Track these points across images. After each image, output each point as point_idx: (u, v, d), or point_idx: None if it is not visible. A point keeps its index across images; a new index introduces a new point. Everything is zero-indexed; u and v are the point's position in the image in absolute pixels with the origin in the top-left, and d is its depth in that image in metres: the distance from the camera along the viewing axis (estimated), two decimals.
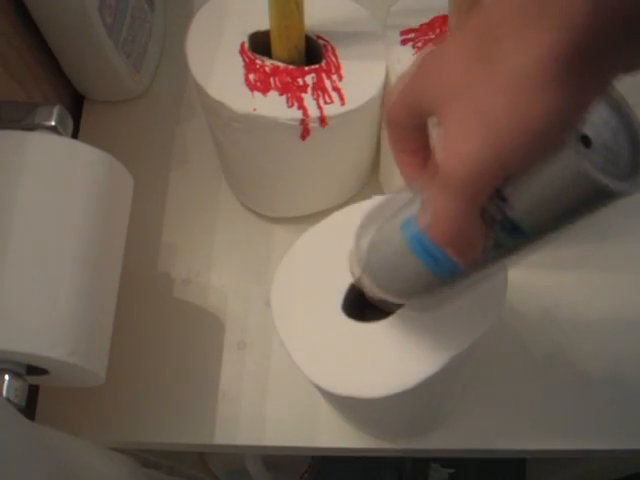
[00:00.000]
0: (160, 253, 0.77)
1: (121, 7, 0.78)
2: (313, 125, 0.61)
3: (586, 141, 0.35)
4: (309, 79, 0.62)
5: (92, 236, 0.58)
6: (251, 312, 0.73)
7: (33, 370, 0.56)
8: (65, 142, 0.60)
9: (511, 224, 0.37)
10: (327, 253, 0.53)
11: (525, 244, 0.38)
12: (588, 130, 0.36)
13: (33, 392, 0.69)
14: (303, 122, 0.60)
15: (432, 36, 0.62)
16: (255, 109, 0.60)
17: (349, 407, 0.60)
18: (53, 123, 0.60)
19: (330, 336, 0.53)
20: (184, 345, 0.73)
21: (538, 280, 0.72)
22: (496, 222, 0.37)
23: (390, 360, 0.51)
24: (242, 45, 0.64)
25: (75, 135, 0.82)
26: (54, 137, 0.60)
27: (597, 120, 0.36)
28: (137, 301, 0.73)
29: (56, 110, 0.61)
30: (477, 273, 0.42)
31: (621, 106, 0.37)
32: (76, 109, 0.86)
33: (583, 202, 0.35)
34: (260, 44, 0.64)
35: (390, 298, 0.49)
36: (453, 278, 0.43)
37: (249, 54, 0.63)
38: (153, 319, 0.74)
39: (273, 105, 0.61)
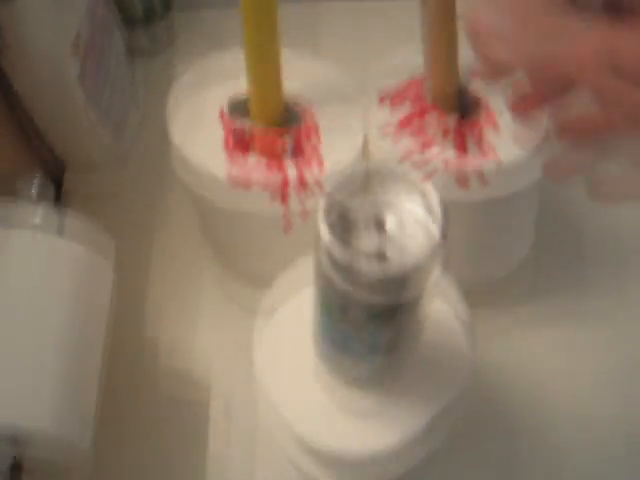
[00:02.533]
0: (145, 319, 0.77)
1: (101, 74, 0.79)
2: (293, 188, 0.61)
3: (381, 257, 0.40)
4: (288, 142, 0.62)
5: (74, 315, 0.58)
6: (237, 377, 0.73)
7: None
8: (46, 239, 0.60)
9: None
10: (302, 297, 0.54)
11: (387, 323, 0.44)
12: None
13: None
14: (283, 184, 0.61)
15: (409, 99, 0.63)
16: (235, 173, 0.61)
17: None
18: (34, 193, 0.60)
19: (313, 390, 0.54)
20: (169, 411, 0.72)
21: (517, 336, 0.73)
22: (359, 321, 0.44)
23: (369, 421, 0.52)
24: (221, 110, 0.64)
25: (58, 202, 0.82)
26: (34, 234, 0.60)
27: None
28: (121, 368, 0.73)
29: (37, 181, 0.61)
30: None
31: None
32: (58, 175, 0.86)
33: None
34: (239, 108, 0.65)
35: None
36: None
37: (228, 119, 0.64)
38: (138, 385, 0.73)
39: (253, 169, 0.61)
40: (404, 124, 0.61)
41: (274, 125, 0.63)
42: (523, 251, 0.73)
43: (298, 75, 0.66)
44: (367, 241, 0.39)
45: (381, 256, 0.39)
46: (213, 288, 0.78)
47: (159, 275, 0.79)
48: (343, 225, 0.40)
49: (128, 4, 0.92)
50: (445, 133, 0.60)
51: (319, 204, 0.39)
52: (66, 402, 0.56)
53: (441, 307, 0.56)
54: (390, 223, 0.40)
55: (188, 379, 0.73)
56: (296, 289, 0.58)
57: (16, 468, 0.65)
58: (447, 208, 0.39)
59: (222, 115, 0.64)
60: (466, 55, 0.63)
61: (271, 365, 0.56)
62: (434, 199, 0.39)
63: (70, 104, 0.76)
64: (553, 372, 0.71)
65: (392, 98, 0.64)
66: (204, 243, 0.79)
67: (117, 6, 0.85)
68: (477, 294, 0.60)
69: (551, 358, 0.72)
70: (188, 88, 0.67)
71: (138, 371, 0.74)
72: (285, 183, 0.61)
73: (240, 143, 0.62)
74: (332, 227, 0.39)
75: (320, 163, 0.61)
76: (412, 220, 0.40)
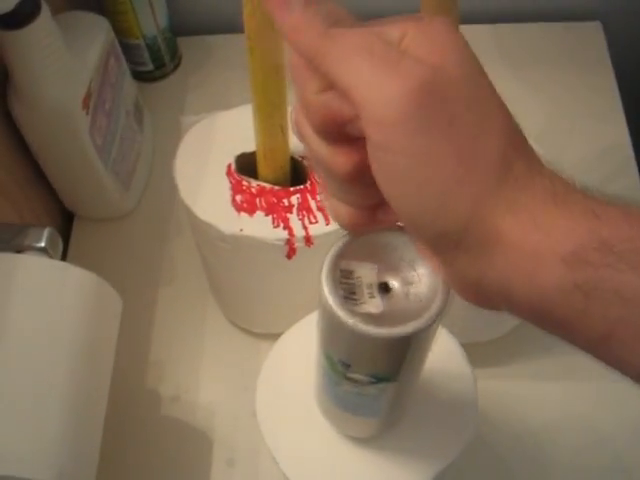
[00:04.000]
0: (148, 370, 0.77)
1: (111, 128, 0.80)
2: (298, 244, 0.62)
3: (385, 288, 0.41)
4: (294, 199, 0.63)
5: (80, 359, 0.58)
6: (239, 428, 0.73)
7: None
8: (54, 264, 0.61)
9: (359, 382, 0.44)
10: (306, 353, 0.54)
11: (389, 385, 0.45)
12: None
13: None
14: (289, 242, 0.62)
15: None
16: (242, 230, 0.61)
17: None
18: (43, 244, 0.61)
19: (316, 444, 0.54)
20: (172, 463, 0.72)
21: (521, 392, 0.73)
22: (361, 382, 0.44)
23: (371, 474, 0.52)
24: (229, 167, 0.65)
25: (65, 252, 0.83)
26: (43, 259, 0.60)
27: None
28: (125, 419, 0.73)
29: (46, 232, 0.61)
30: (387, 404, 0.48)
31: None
32: (66, 226, 0.87)
33: (397, 348, 0.41)
34: (246, 165, 0.66)
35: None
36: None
37: (235, 175, 0.65)
38: (141, 437, 0.73)
39: (259, 225, 0.62)
40: None
41: (281, 182, 0.64)
42: None
43: None
44: (371, 304, 0.40)
45: (385, 319, 0.39)
46: (216, 340, 0.78)
47: (163, 328, 0.79)
48: (347, 287, 0.40)
49: (139, 59, 0.94)
50: None
51: (323, 267, 0.40)
52: (70, 454, 0.56)
53: (443, 363, 0.56)
54: (394, 286, 0.40)
55: (190, 431, 0.73)
56: (299, 350, 0.58)
57: None
58: None
59: (229, 172, 0.65)
60: None
61: (273, 419, 0.56)
62: None
63: (80, 157, 0.77)
64: (552, 426, 0.71)
65: None
66: (208, 295, 0.80)
67: (127, 60, 0.87)
68: (477, 351, 0.60)
69: (550, 413, 0.72)
70: (195, 144, 0.68)
71: (139, 422, 0.74)
72: (292, 240, 0.62)
73: (247, 200, 0.63)
74: (336, 290, 0.39)
75: (326, 220, 0.62)
76: (416, 282, 0.40)
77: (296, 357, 0.58)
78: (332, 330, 0.41)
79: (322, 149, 0.36)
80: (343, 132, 0.35)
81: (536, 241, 0.30)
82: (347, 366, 0.43)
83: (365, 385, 0.44)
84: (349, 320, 0.38)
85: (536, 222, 0.31)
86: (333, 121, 0.34)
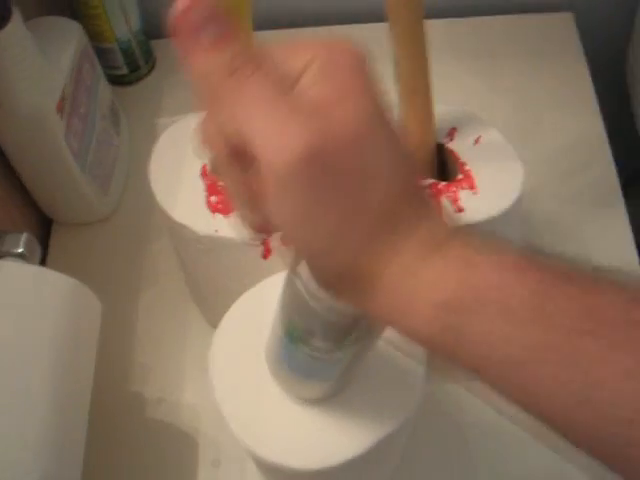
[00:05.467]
0: (132, 373, 0.77)
1: (87, 132, 0.80)
2: (275, 244, 0.62)
3: None
4: None
5: (60, 362, 0.58)
6: (224, 429, 0.73)
7: None
8: (31, 269, 0.60)
9: None
10: (264, 315, 0.54)
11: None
12: None
13: None
14: (265, 242, 0.62)
15: None
16: (217, 230, 0.62)
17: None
18: (21, 250, 0.61)
19: (264, 403, 0.54)
20: (158, 465, 0.72)
21: None
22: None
23: (321, 434, 0.52)
24: (204, 168, 0.65)
25: (44, 258, 0.83)
26: (20, 264, 0.60)
27: None
28: (110, 422, 0.73)
29: (24, 237, 0.61)
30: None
31: None
32: (44, 232, 0.87)
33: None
34: None
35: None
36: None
37: (211, 177, 0.65)
38: (126, 440, 0.73)
39: (235, 226, 0.62)
40: None
41: None
42: None
43: None
44: None
45: None
46: (199, 341, 0.78)
47: (145, 331, 0.79)
48: None
49: (113, 62, 0.94)
50: None
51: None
52: (53, 458, 0.56)
53: None
54: None
55: (175, 432, 0.73)
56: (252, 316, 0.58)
57: None
58: None
59: (204, 173, 0.65)
60: (443, 118, 0.65)
61: (226, 383, 0.56)
62: None
63: (56, 162, 0.77)
64: None
65: None
66: (189, 297, 0.80)
67: (102, 64, 0.87)
68: None
69: None
70: (170, 146, 0.68)
71: (124, 426, 0.74)
72: (267, 241, 0.62)
73: (222, 201, 0.63)
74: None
75: None
76: None
77: (249, 322, 0.58)
78: (305, 297, 0.41)
79: (230, 168, 0.37)
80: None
81: (410, 286, 0.33)
82: (311, 332, 0.43)
83: (329, 349, 0.44)
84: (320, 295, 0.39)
85: (411, 269, 0.34)
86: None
